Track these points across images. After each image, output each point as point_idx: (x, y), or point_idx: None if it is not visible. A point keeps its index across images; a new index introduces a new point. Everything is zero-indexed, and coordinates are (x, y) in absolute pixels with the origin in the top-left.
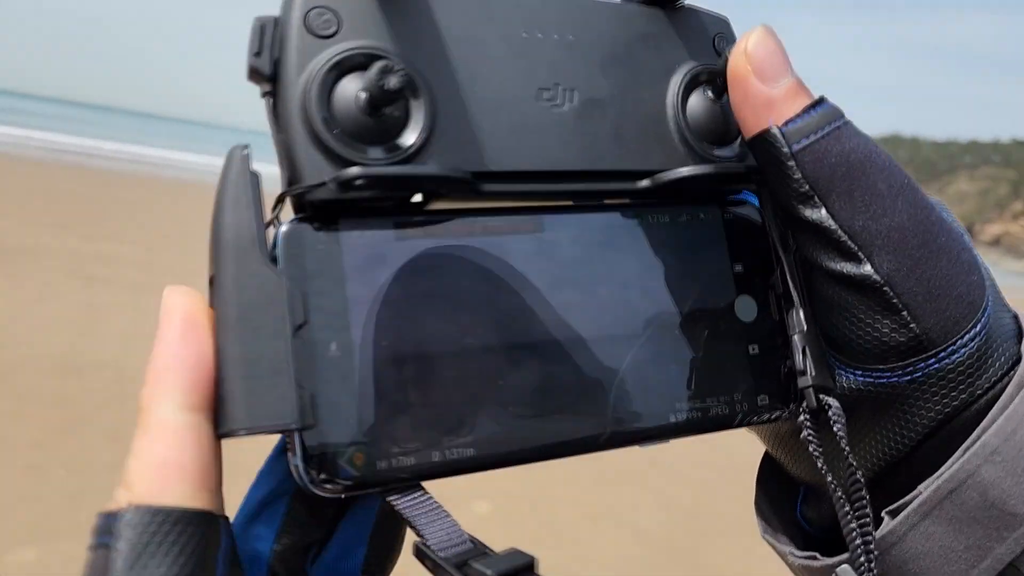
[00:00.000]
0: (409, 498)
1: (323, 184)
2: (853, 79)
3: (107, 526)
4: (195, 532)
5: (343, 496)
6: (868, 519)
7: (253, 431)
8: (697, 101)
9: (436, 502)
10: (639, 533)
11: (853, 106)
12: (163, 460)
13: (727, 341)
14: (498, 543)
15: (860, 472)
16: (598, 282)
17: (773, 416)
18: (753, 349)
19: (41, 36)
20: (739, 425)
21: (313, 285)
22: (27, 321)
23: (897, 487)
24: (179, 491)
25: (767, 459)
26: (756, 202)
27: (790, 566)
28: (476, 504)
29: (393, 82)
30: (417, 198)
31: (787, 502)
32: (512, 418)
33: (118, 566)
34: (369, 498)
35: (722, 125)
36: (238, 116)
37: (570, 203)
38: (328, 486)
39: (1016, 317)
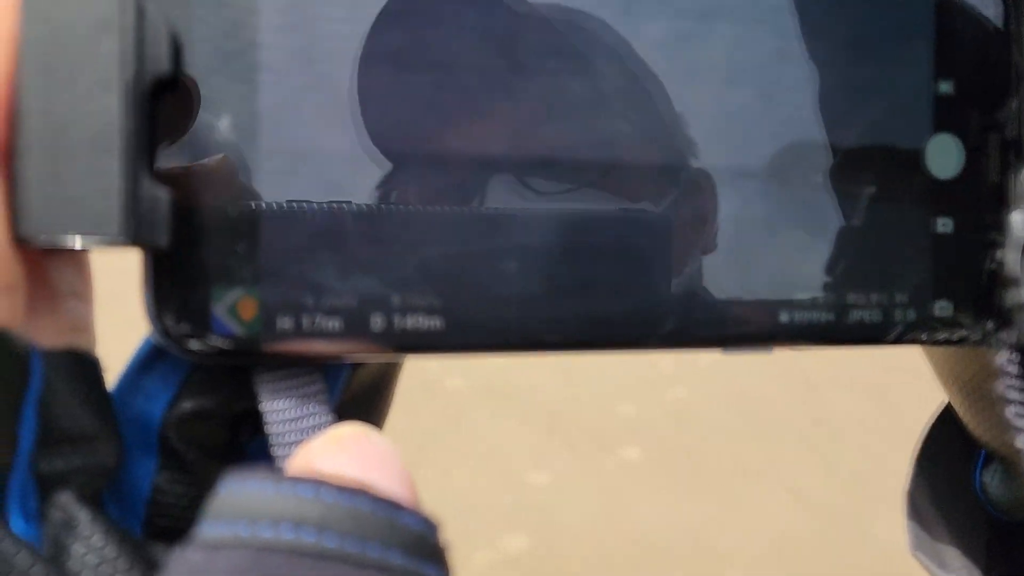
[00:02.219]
0: (286, 385)
1: None
2: None
3: None
4: None
5: (218, 363)
6: None
7: (52, 242)
8: None
9: (327, 415)
10: (798, 495)
11: None
12: None
13: (899, 205)
14: (645, 490)
15: None
16: (692, 77)
17: (955, 337)
18: (943, 225)
19: None
20: (896, 341)
21: (202, 14)
22: None
23: None
24: None
25: (942, 423)
26: None
27: None
28: (626, 449)
29: None
30: None
31: (960, 473)
32: (514, 278)
33: None
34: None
35: None
36: None
37: None
38: (193, 344)
39: None
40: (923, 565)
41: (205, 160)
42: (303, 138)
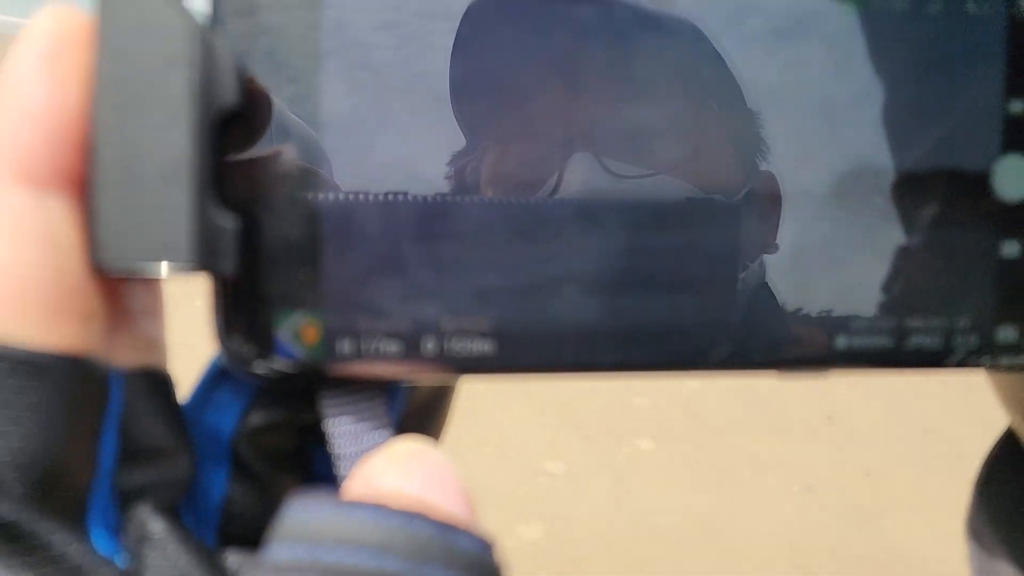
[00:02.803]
0: (347, 403)
1: None
2: None
3: None
4: (49, 385)
5: (281, 385)
6: None
7: (126, 270)
8: None
9: (387, 431)
10: (809, 491)
11: None
12: None
13: (965, 228)
14: (658, 482)
15: None
16: (760, 95)
17: (1020, 363)
18: (1009, 249)
19: None
20: (958, 366)
21: (265, 43)
22: None
23: None
24: (17, 318)
25: (1004, 449)
26: None
27: None
28: (639, 441)
29: None
30: None
31: None
32: (569, 300)
33: None
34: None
35: None
36: None
37: None
38: (259, 365)
39: None
40: None
41: (271, 150)
42: (367, 166)
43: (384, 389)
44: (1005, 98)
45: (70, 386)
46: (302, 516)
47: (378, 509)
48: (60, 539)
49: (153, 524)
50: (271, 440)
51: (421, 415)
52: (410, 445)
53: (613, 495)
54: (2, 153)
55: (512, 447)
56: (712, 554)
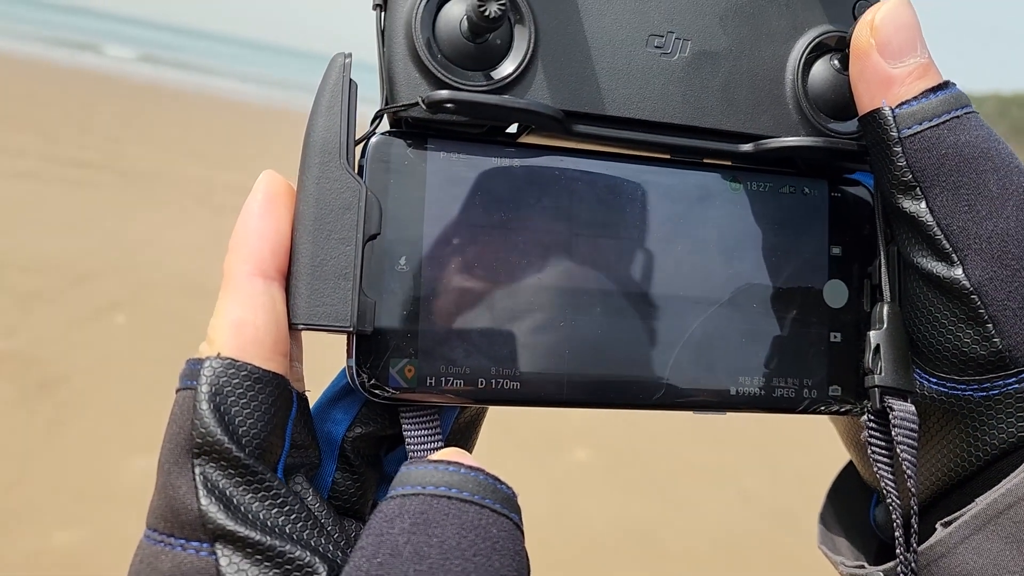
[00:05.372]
0: (419, 419)
1: (415, 104)
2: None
3: (191, 372)
4: (267, 391)
5: (388, 403)
6: (914, 528)
7: (311, 327)
8: (821, 69)
9: (441, 441)
10: (744, 494)
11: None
12: (239, 320)
13: (809, 324)
14: (595, 491)
15: (912, 481)
16: (682, 240)
17: (842, 410)
18: (835, 337)
19: None
20: (804, 411)
21: (393, 198)
22: (160, 245)
23: (961, 503)
24: (252, 351)
25: (845, 472)
26: (872, 185)
27: None
28: (576, 451)
29: (492, 10)
30: (512, 129)
31: (859, 509)
32: (566, 360)
33: (202, 407)
34: (448, 407)
35: (843, 98)
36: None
37: (667, 156)
38: (376, 391)
39: None
40: (823, 553)
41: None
42: (448, 275)
43: (441, 413)
44: (828, 244)
45: (277, 394)
46: (413, 470)
47: (458, 466)
48: (271, 477)
49: (306, 485)
50: (363, 445)
51: (462, 432)
52: (454, 450)
53: (549, 504)
54: (249, 259)
55: None
56: (648, 561)
